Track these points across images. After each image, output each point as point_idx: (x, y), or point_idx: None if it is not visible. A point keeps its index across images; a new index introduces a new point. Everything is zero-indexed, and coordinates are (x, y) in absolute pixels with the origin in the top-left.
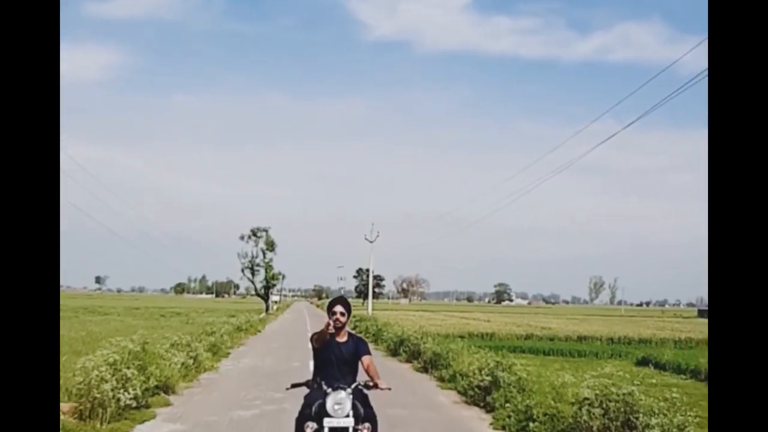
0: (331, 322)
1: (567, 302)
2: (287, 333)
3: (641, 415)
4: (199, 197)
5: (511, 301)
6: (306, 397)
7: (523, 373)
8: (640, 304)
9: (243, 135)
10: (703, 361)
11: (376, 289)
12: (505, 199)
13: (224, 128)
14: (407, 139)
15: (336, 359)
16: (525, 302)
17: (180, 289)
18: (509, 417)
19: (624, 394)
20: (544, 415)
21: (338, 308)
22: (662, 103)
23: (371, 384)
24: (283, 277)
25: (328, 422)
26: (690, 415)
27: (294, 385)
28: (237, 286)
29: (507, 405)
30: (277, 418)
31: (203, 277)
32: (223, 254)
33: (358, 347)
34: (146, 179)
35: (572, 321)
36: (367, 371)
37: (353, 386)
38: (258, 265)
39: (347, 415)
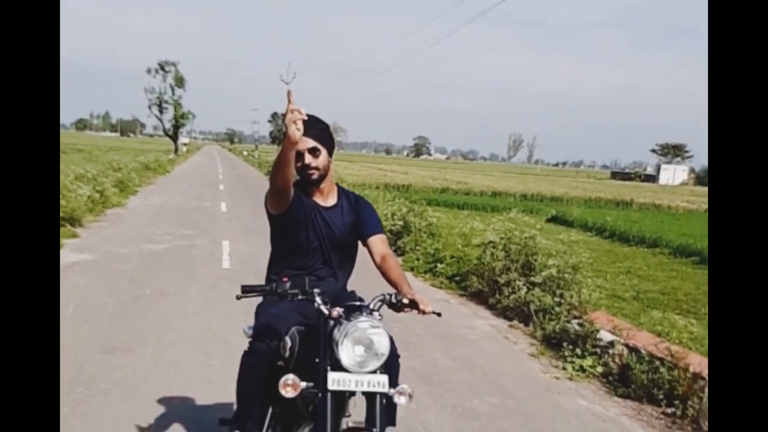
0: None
1: (485, 159)
2: (198, 174)
3: (540, 256)
4: (101, 23)
5: (430, 155)
6: (263, 313)
7: (434, 219)
8: (557, 164)
9: None
10: (609, 219)
11: None
12: (422, 46)
13: None
14: None
15: (320, 240)
16: (444, 157)
17: (81, 125)
18: (418, 260)
19: (525, 238)
20: (452, 257)
21: (306, 140)
22: None
23: (403, 301)
24: (194, 116)
25: (339, 381)
26: (584, 257)
27: (246, 291)
28: (143, 126)
29: (417, 248)
30: (187, 253)
31: (107, 114)
32: (128, 90)
33: (360, 217)
34: None
35: (489, 177)
36: (382, 268)
37: (374, 302)
38: (166, 102)
39: (375, 370)
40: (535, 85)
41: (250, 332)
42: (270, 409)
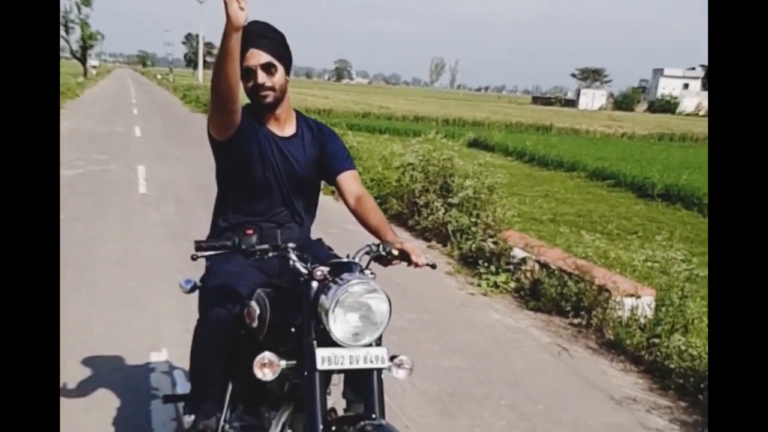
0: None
1: (408, 84)
2: (110, 98)
3: (457, 177)
4: None
5: (352, 79)
6: (218, 272)
7: (354, 143)
8: (479, 89)
9: None
10: (529, 143)
11: (208, 58)
12: None
13: None
14: None
15: (278, 177)
16: (366, 81)
17: None
18: None
19: (443, 160)
20: (372, 180)
21: (258, 54)
22: None
23: (392, 252)
24: (102, 38)
25: (330, 358)
26: (499, 177)
27: (203, 249)
28: None
29: None
30: (102, 179)
31: None
32: None
33: (325, 151)
34: None
35: (411, 102)
36: (358, 211)
37: (360, 256)
38: (72, 21)
39: (371, 343)
40: (459, 9)
41: (188, 287)
42: (230, 386)
